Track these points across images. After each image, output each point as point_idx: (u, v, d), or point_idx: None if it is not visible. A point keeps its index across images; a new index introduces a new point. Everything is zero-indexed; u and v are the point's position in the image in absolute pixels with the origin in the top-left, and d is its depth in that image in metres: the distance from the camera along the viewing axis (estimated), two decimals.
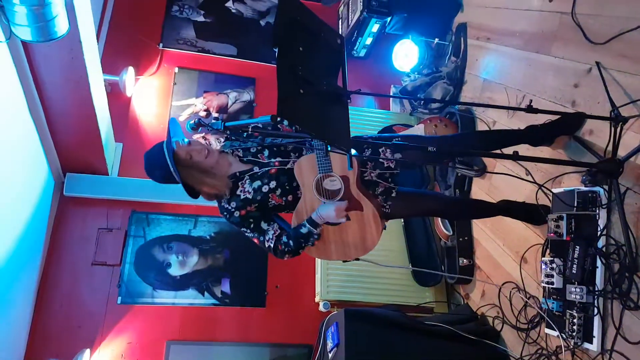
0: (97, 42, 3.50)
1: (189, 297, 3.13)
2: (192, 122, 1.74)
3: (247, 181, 1.92)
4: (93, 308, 2.98)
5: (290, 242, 1.89)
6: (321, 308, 3.13)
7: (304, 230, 1.89)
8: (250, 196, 1.90)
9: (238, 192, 1.92)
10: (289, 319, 3.25)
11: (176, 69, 3.87)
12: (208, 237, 3.32)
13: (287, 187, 1.93)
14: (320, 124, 1.53)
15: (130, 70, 3.48)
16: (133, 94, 3.61)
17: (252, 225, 1.91)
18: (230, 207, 1.90)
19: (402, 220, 3.48)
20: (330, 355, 2.56)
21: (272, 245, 1.90)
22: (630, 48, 2.06)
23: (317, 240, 1.92)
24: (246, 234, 1.94)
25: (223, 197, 1.91)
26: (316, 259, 3.35)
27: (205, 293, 3.16)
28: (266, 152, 1.97)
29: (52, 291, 2.95)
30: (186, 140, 1.88)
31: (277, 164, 1.93)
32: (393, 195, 2.06)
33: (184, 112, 3.75)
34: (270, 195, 1.91)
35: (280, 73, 1.42)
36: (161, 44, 3.92)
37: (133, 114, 3.61)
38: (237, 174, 1.93)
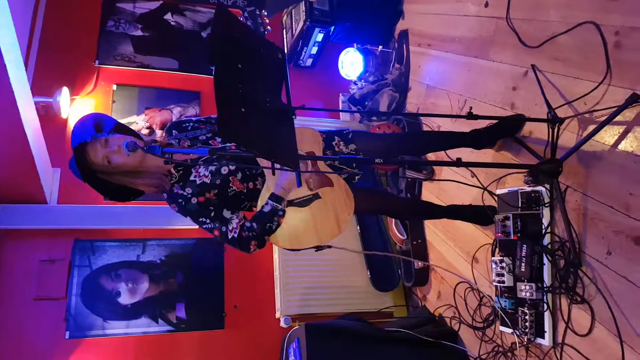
0: (27, 63, 3.31)
1: (142, 326, 2.99)
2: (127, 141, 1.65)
3: (202, 166, 1.77)
4: (40, 346, 2.79)
5: (254, 224, 1.72)
6: (282, 324, 3.08)
7: (266, 208, 1.73)
8: (208, 180, 1.75)
9: (192, 178, 1.76)
10: (250, 338, 3.17)
11: (114, 86, 3.70)
12: (158, 261, 3.18)
13: (248, 173, 1.81)
14: (265, 143, 1.48)
15: (65, 90, 3.30)
16: (69, 115, 3.42)
17: (212, 214, 1.73)
18: (185, 194, 1.73)
19: (358, 227, 3.49)
20: None
21: (236, 236, 1.71)
22: (562, 51, 2.14)
23: (282, 217, 1.74)
24: (204, 225, 1.75)
25: (166, 189, 1.77)
26: (274, 274, 3.29)
27: (159, 320, 3.02)
28: (219, 139, 1.85)
29: None
30: (101, 135, 1.75)
31: (233, 147, 1.78)
32: (355, 181, 2.02)
33: None
34: (230, 178, 1.77)
35: (219, 93, 1.36)
36: (97, 61, 3.74)
37: (70, 137, 3.42)
38: (189, 161, 1.79)
